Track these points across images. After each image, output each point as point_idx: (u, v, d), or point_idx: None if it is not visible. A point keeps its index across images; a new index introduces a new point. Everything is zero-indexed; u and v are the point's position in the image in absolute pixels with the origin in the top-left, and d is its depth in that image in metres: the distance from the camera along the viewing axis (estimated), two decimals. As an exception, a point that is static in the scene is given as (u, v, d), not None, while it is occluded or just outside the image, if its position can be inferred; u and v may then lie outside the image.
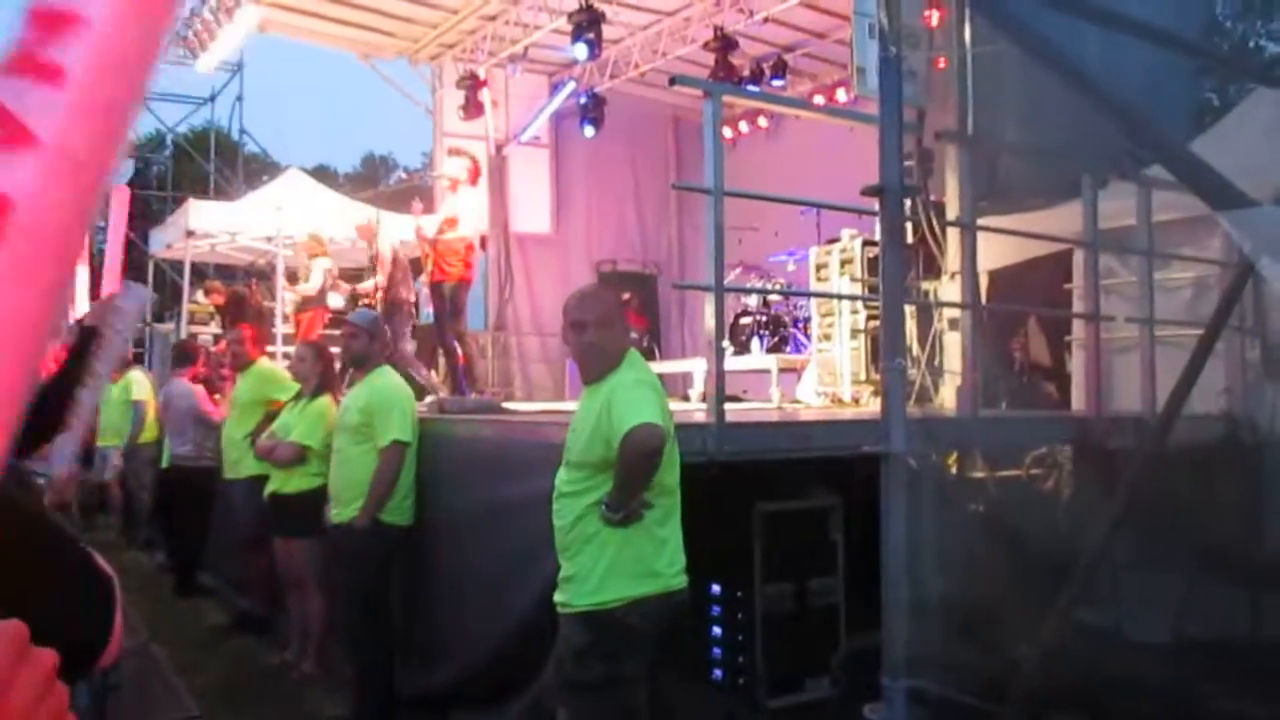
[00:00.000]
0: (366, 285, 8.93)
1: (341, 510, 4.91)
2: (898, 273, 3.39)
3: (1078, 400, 6.34)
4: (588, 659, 3.18)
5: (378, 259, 8.44)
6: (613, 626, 3.17)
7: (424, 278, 7.72)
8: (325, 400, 5.54)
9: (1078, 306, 6.25)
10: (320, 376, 5.64)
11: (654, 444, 3.08)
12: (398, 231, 9.66)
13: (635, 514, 3.16)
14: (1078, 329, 6.41)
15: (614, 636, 3.17)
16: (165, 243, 12.95)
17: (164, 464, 7.90)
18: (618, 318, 3.45)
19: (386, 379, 5.10)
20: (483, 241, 9.66)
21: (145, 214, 18.21)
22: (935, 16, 6.94)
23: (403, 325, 8.00)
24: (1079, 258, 6.19)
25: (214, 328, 12.35)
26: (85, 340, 2.97)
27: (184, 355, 8.33)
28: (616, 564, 3.18)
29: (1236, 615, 5.04)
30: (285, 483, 5.49)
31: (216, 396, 8.51)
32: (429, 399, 6.81)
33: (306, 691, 5.35)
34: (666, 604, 3.23)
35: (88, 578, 0.91)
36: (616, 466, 3.13)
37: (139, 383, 9.18)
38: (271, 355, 8.75)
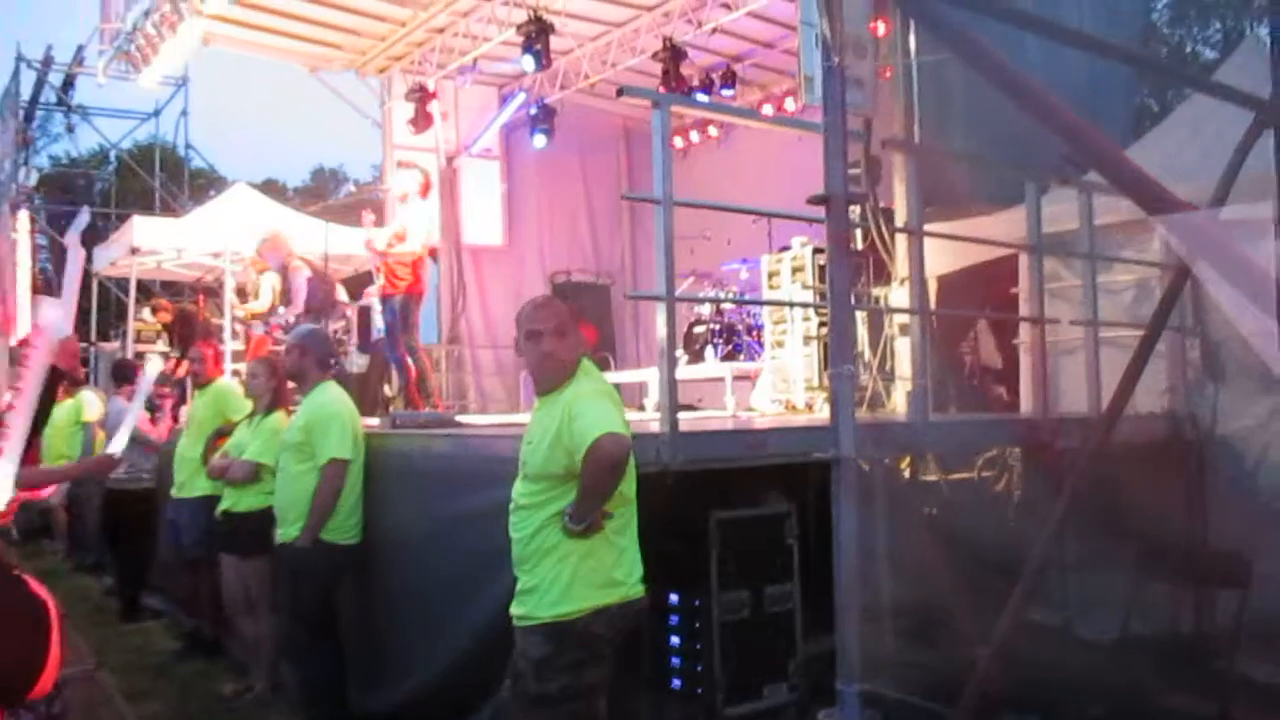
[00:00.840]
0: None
1: (286, 529, 4.85)
2: (844, 280, 3.42)
3: (1026, 402, 6.44)
4: (548, 670, 3.16)
5: (295, 273, 8.38)
6: (576, 636, 3.15)
7: (375, 290, 7.69)
8: (278, 416, 5.48)
9: (1024, 310, 6.35)
10: (273, 393, 5.58)
11: (619, 455, 3.07)
12: (346, 244, 9.60)
13: (597, 524, 3.16)
14: (1024, 332, 6.51)
15: (577, 646, 3.16)
16: (109, 260, 12.72)
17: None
18: (572, 327, 3.44)
19: (325, 395, 5.03)
20: (433, 254, 9.62)
21: (89, 230, 17.88)
22: (881, 26, 7.02)
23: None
24: (1024, 262, 6.30)
25: (160, 345, 12.15)
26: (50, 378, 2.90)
27: (123, 374, 8.19)
28: (579, 574, 3.17)
29: (1181, 612, 5.15)
30: (238, 501, 5.42)
31: (157, 414, 8.38)
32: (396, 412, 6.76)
33: (258, 714, 5.26)
34: (626, 613, 3.23)
35: (18, 603, 0.89)
36: (581, 477, 3.12)
37: (90, 403, 9.00)
38: (223, 371, 8.63)
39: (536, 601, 3.20)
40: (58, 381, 3.05)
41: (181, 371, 9.56)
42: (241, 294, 9.67)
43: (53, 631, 0.90)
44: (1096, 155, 2.85)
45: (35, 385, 2.39)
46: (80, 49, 14.83)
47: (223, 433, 6.05)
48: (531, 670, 3.19)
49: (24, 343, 2.80)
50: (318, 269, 8.77)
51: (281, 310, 8.64)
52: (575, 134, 13.00)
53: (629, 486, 3.30)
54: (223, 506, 5.51)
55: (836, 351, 3.46)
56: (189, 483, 6.20)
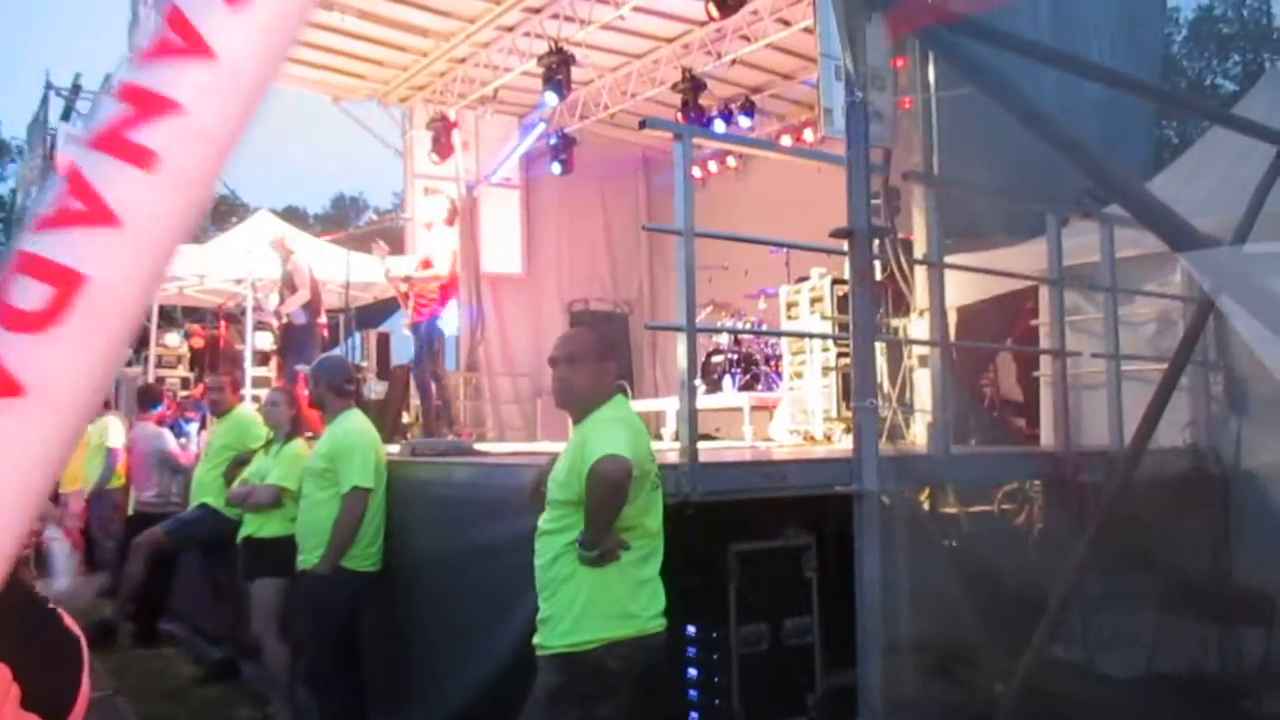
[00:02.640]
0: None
1: (307, 556, 4.86)
2: (868, 314, 3.43)
3: (1047, 435, 6.40)
4: (561, 702, 3.15)
5: (295, 272, 8.45)
6: (588, 669, 3.14)
7: (405, 319, 7.79)
8: (299, 443, 5.51)
9: (1045, 343, 6.33)
10: (292, 421, 5.61)
11: (617, 475, 3.08)
12: (367, 271, 9.66)
13: (612, 553, 3.15)
14: (1045, 365, 6.48)
15: (588, 679, 3.15)
16: (133, 285, 12.84)
17: (130, 510, 7.79)
18: (589, 356, 3.46)
19: (348, 423, 5.07)
20: (454, 280, 9.68)
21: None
22: (901, 60, 7.06)
23: (316, 351, 8.04)
24: (1044, 294, 6.28)
25: (182, 370, 12.24)
26: None
27: (149, 398, 8.24)
28: (592, 605, 3.16)
29: (1207, 649, 5.08)
30: (261, 527, 5.44)
31: (182, 440, 8.42)
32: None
33: (276, 741, 5.25)
34: (642, 647, 3.21)
35: (56, 639, 0.89)
36: (585, 500, 3.14)
37: (114, 429, 9.06)
38: (242, 398, 8.69)
39: (550, 631, 3.21)
40: None
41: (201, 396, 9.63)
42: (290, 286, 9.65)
43: (85, 668, 0.91)
44: (1119, 189, 2.85)
45: None
46: (109, 77, 15.04)
47: (242, 461, 6.09)
48: (544, 700, 3.18)
49: None
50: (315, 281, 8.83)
51: (274, 298, 8.73)
52: (594, 163, 13.08)
53: (653, 520, 3.30)
54: (245, 533, 5.53)
55: (859, 385, 3.46)
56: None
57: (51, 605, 0.97)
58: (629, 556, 3.19)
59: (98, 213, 0.52)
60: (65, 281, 0.51)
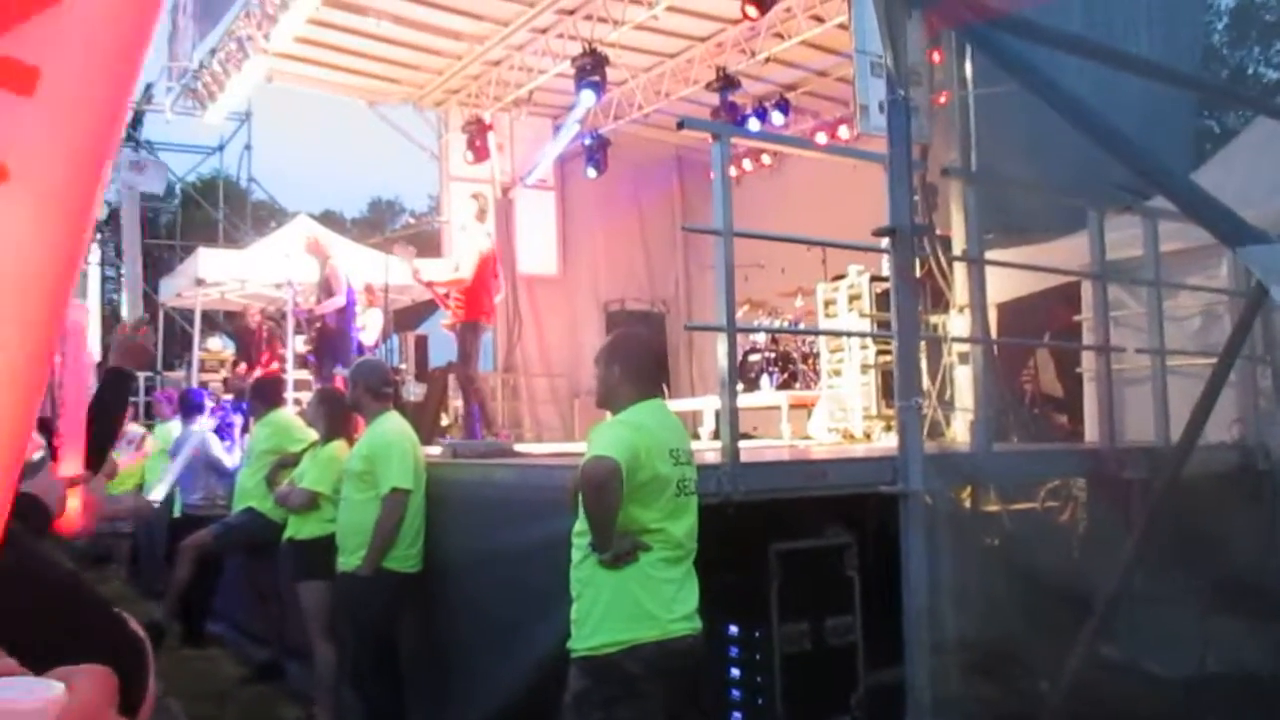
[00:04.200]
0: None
1: (347, 558, 4.91)
2: (911, 312, 3.40)
3: (1090, 432, 6.32)
4: (585, 705, 3.16)
5: (332, 277, 8.52)
6: (608, 672, 3.14)
7: (446, 319, 7.85)
8: (336, 445, 5.56)
9: (1087, 338, 6.26)
10: (327, 422, 5.66)
11: (598, 476, 3.10)
12: (404, 274, 9.73)
13: (628, 555, 3.15)
14: (1088, 361, 6.41)
15: (610, 683, 3.14)
16: (175, 291, 13.03)
17: (175, 513, 7.90)
18: (616, 360, 3.46)
19: (387, 425, 5.11)
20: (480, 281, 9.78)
21: (155, 263, 18.35)
22: (937, 55, 7.01)
23: (352, 354, 8.11)
24: (1087, 289, 6.21)
25: (225, 373, 12.39)
26: (114, 384, 2.97)
27: (189, 404, 8.35)
28: (612, 608, 3.16)
29: (1258, 647, 4.99)
30: (300, 529, 5.50)
31: (226, 443, 8.52)
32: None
33: (321, 741, 5.31)
34: (665, 650, 3.17)
35: (124, 644, 0.91)
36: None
37: (172, 435, 9.19)
38: (284, 402, 8.79)
39: (576, 634, 3.22)
40: (128, 384, 3.10)
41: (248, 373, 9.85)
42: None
43: (150, 669, 0.92)
44: (1165, 184, 2.81)
45: (78, 381, 2.44)
46: (149, 87, 15.27)
47: (285, 464, 6.15)
48: (572, 703, 3.19)
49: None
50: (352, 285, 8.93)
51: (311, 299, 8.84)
52: (629, 164, 13.08)
53: (678, 525, 3.26)
54: (286, 535, 5.59)
55: (903, 384, 3.44)
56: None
57: (116, 610, 0.99)
58: (650, 558, 3.17)
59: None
60: None
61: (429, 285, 7.82)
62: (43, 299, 0.49)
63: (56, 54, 0.46)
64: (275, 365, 10.89)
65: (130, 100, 0.52)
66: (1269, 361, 5.78)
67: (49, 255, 0.49)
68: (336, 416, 5.70)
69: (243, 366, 11.45)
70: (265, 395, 6.78)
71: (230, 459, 7.62)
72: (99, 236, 16.36)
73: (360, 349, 8.96)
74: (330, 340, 8.62)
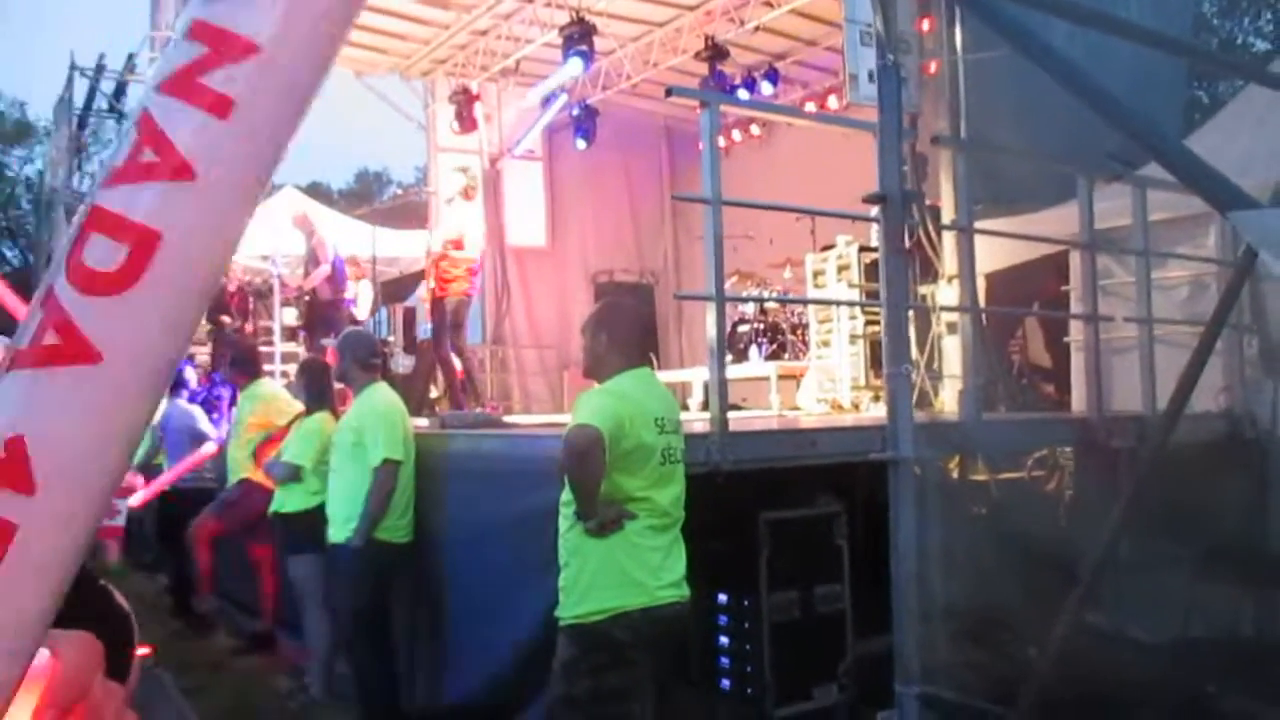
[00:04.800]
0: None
1: (338, 530, 4.90)
2: (900, 279, 3.40)
3: (1078, 401, 6.35)
4: (573, 673, 3.18)
5: (319, 247, 8.47)
6: (595, 639, 3.16)
7: (423, 293, 7.77)
8: (318, 418, 5.53)
9: (1075, 308, 6.27)
10: (310, 394, 5.64)
11: (580, 445, 3.11)
12: (392, 246, 9.71)
13: (614, 524, 3.16)
14: (1076, 330, 6.43)
15: (597, 649, 3.16)
16: (160, 263, 12.92)
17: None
18: (603, 328, 3.44)
19: (375, 396, 5.08)
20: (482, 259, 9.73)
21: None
22: (926, 22, 6.97)
23: (343, 325, 8.06)
24: (1075, 259, 6.21)
25: (210, 349, 12.30)
26: None
27: (179, 378, 8.30)
28: (598, 576, 3.18)
29: (1241, 614, 5.05)
30: (285, 502, 5.49)
31: (214, 415, 8.50)
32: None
33: (314, 712, 5.33)
34: (651, 617, 3.19)
35: (109, 617, 0.90)
36: None
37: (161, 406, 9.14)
38: (271, 374, 8.75)
39: (563, 602, 3.24)
40: None
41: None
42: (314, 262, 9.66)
43: (135, 642, 0.91)
44: (1159, 150, 2.81)
45: None
46: (131, 56, 15.07)
47: (272, 437, 6.13)
48: (560, 671, 3.22)
49: None
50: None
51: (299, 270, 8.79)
52: (617, 134, 13.00)
53: (664, 494, 3.26)
54: (273, 508, 5.58)
55: (892, 352, 3.44)
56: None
57: (103, 582, 0.98)
58: (635, 526, 3.18)
59: (172, 164, 0.49)
60: (140, 239, 0.48)
61: (433, 257, 7.72)
62: None
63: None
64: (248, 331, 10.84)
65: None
66: (1256, 330, 5.81)
67: (129, 440, 0.52)
68: (319, 388, 5.68)
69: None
70: (245, 366, 6.72)
71: (214, 431, 7.59)
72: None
73: (353, 320, 8.91)
74: (321, 311, 8.58)
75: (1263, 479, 5.52)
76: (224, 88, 0.50)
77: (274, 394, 6.67)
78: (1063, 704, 3.88)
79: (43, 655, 0.49)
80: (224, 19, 0.50)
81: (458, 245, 7.29)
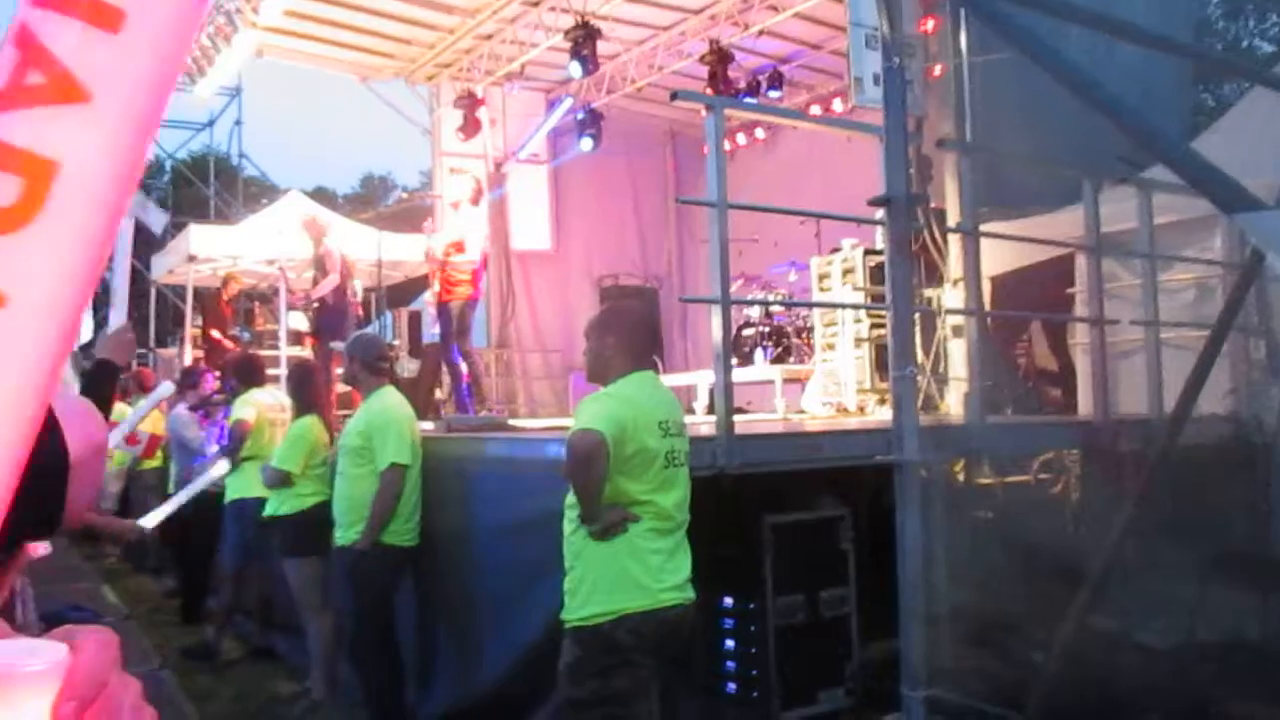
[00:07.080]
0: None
1: (344, 533, 4.90)
2: (906, 282, 3.40)
3: (1084, 404, 6.34)
4: (579, 675, 3.18)
5: (326, 256, 8.46)
6: (599, 642, 3.15)
7: (429, 297, 7.77)
8: (306, 421, 5.53)
9: (1081, 311, 6.26)
10: (296, 398, 5.66)
11: (581, 448, 3.11)
12: (397, 250, 9.68)
13: (616, 527, 3.16)
14: (1081, 333, 6.41)
15: (601, 652, 3.15)
16: (167, 268, 12.95)
17: (168, 490, 7.88)
18: (609, 332, 3.43)
19: (383, 400, 5.09)
20: (484, 260, 9.72)
21: (146, 239, 18.23)
22: (930, 24, 6.98)
23: (350, 329, 8.04)
24: (1081, 262, 6.20)
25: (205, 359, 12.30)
26: (101, 374, 2.93)
27: (188, 381, 8.31)
28: (601, 578, 3.18)
29: (1249, 618, 5.03)
30: (279, 506, 5.50)
31: (208, 423, 8.49)
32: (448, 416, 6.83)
33: (316, 715, 5.32)
34: (655, 619, 3.18)
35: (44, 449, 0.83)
36: None
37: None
38: (275, 379, 8.75)
39: (568, 604, 3.24)
40: (114, 378, 3.07)
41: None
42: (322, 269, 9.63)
43: (70, 472, 0.88)
44: (1165, 153, 2.80)
45: None
46: None
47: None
48: (565, 674, 3.22)
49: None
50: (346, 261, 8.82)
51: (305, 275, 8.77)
52: (622, 138, 13.01)
53: (667, 497, 3.25)
54: (266, 513, 5.59)
55: (898, 355, 3.44)
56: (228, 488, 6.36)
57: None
58: (638, 529, 3.18)
59: (62, 86, 0.45)
60: (35, 170, 0.45)
61: (442, 264, 7.70)
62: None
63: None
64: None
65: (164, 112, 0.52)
66: (1262, 333, 5.79)
67: (40, 385, 0.48)
68: (306, 392, 5.68)
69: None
70: (244, 374, 6.70)
71: (200, 438, 7.57)
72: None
73: (359, 324, 8.92)
74: (328, 316, 8.58)
75: (1268, 482, 5.49)
76: None
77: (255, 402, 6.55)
78: (1069, 708, 3.87)
79: (60, 649, 0.48)
80: None
81: (459, 249, 7.29)
